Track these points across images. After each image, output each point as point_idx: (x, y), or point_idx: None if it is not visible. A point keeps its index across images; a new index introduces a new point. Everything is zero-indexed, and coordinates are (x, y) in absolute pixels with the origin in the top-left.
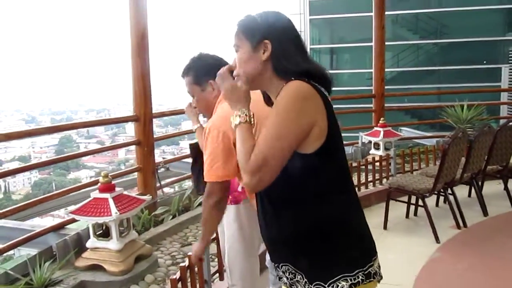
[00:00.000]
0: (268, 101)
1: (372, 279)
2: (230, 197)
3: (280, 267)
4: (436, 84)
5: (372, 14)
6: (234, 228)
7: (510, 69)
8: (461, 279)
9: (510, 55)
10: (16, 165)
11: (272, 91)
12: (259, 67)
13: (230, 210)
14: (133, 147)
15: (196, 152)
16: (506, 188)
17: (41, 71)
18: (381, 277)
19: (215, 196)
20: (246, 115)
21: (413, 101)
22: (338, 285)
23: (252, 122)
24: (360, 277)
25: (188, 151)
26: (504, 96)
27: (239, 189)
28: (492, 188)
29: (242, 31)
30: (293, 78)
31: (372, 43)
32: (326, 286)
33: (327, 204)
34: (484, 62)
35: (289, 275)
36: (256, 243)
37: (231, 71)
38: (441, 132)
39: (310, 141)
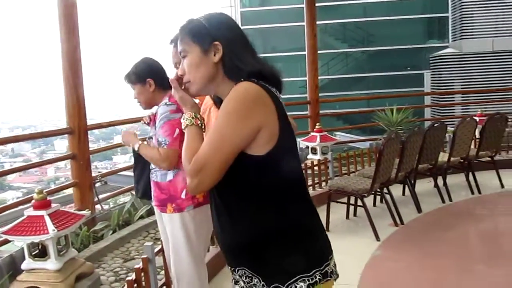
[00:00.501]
0: (220, 104)
1: (329, 278)
2: (173, 205)
3: (236, 271)
4: (365, 90)
5: (304, 23)
6: (180, 237)
7: (431, 75)
8: (403, 273)
9: (431, 62)
10: None
11: (224, 94)
12: (211, 70)
13: (175, 219)
14: (62, 165)
15: (138, 156)
16: (436, 185)
17: None
18: (338, 276)
19: None
20: (193, 117)
21: (345, 107)
22: (296, 286)
23: (202, 126)
24: (318, 277)
25: (122, 165)
26: (427, 100)
27: (183, 196)
28: (424, 185)
29: (190, 35)
30: (242, 80)
31: (304, 52)
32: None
33: (283, 206)
34: (408, 68)
35: (245, 278)
36: (203, 250)
37: (180, 78)
38: (373, 136)
39: (259, 144)
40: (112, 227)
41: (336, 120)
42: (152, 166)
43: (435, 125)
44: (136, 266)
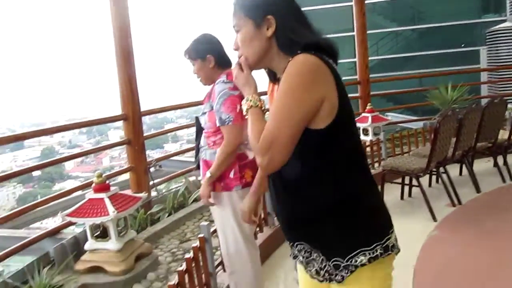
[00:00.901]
0: (274, 79)
1: (390, 252)
2: (221, 184)
3: (295, 245)
4: (416, 70)
5: (350, 3)
6: (229, 215)
7: (488, 50)
8: (461, 254)
9: (487, 37)
10: None
11: (279, 68)
12: (265, 44)
13: (222, 197)
14: (116, 154)
15: (199, 125)
16: (496, 165)
17: (19, 82)
18: (399, 250)
19: None
20: (250, 100)
21: (395, 88)
22: (356, 260)
23: (261, 106)
24: (379, 251)
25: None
26: (484, 77)
27: (231, 175)
28: (482, 165)
29: (242, 10)
30: (299, 52)
31: (351, 33)
32: (344, 261)
33: (343, 180)
34: (462, 45)
35: (304, 253)
36: (251, 230)
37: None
38: (425, 116)
39: (321, 117)
40: (168, 210)
41: (386, 102)
42: (201, 143)
43: (495, 101)
44: (194, 245)
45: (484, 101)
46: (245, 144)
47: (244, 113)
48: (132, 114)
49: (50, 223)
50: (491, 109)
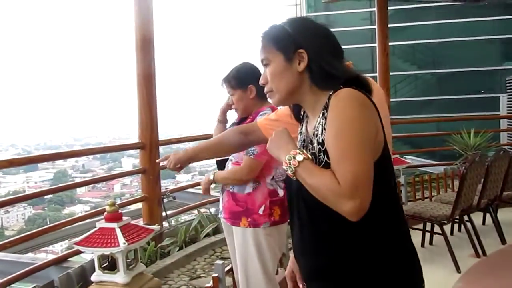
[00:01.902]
0: (298, 117)
1: None
2: (248, 219)
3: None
4: (434, 114)
5: (370, 45)
6: (253, 253)
7: (508, 97)
8: None
9: (508, 84)
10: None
11: (309, 104)
12: (296, 79)
13: (248, 234)
14: (128, 181)
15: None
16: None
17: (36, 104)
18: None
19: None
20: (300, 152)
21: (411, 130)
22: None
23: (309, 157)
24: None
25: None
26: (503, 124)
27: (260, 211)
28: (507, 214)
29: (272, 43)
30: (341, 86)
31: (370, 74)
32: None
33: (383, 227)
34: (482, 91)
35: None
36: (274, 270)
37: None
38: (444, 161)
39: (374, 152)
40: (179, 243)
41: (402, 144)
42: None
43: None
44: (207, 285)
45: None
46: (276, 181)
47: (292, 173)
48: (150, 143)
49: (57, 247)
50: None
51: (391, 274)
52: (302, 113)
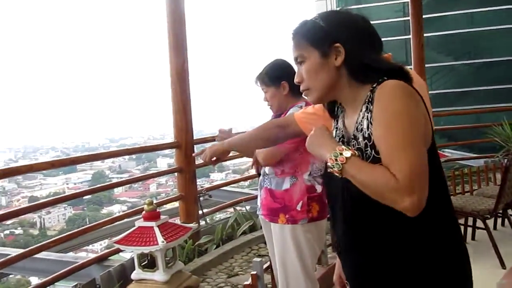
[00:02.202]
0: (332, 113)
1: None
2: (286, 216)
3: None
4: (471, 105)
5: (402, 37)
6: (291, 250)
7: None
8: None
9: None
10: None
11: (348, 99)
12: (333, 75)
13: (286, 231)
14: (163, 181)
15: None
16: None
17: (72, 107)
18: None
19: None
20: (346, 148)
21: (448, 123)
22: None
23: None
24: None
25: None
26: None
27: (298, 207)
28: None
29: (306, 39)
30: (385, 78)
31: (407, 66)
32: None
33: (433, 220)
34: None
35: None
36: (313, 267)
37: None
38: (482, 154)
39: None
40: (216, 241)
41: (440, 137)
42: (266, 171)
43: None
44: (246, 283)
45: None
46: (313, 177)
47: (338, 171)
48: (185, 142)
49: (96, 247)
50: None
51: (442, 274)
52: (336, 108)
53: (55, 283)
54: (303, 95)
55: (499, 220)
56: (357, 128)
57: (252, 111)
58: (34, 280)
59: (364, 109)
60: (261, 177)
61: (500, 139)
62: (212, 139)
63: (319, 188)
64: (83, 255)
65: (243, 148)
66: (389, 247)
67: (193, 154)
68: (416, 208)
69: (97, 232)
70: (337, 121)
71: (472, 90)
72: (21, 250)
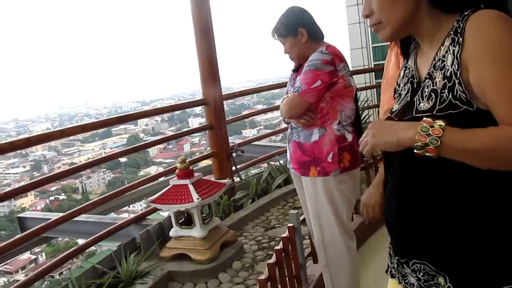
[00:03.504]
0: (406, 51)
1: None
2: (317, 168)
3: (409, 264)
4: None
5: None
6: (325, 202)
7: None
8: None
9: None
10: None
11: (428, 33)
12: (412, 3)
13: (319, 183)
14: (196, 140)
15: None
16: None
17: (103, 72)
18: None
19: None
20: (431, 119)
21: None
22: None
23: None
24: None
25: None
26: None
27: (329, 159)
28: None
29: None
30: (482, 6)
31: None
32: None
33: (503, 174)
34: None
35: (423, 275)
36: (348, 218)
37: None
38: None
39: None
40: (251, 196)
41: None
42: (293, 124)
43: None
44: (283, 235)
45: None
46: (343, 126)
47: (435, 148)
48: (214, 98)
49: (137, 208)
50: None
51: (503, 238)
52: (411, 45)
53: (100, 243)
54: (373, 30)
55: None
56: (434, 66)
57: (278, 63)
58: (81, 242)
59: (448, 42)
60: (288, 130)
61: None
62: (240, 93)
63: (349, 137)
64: (125, 216)
65: None
66: (446, 203)
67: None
68: None
69: (136, 192)
70: (407, 59)
71: None
72: (62, 214)
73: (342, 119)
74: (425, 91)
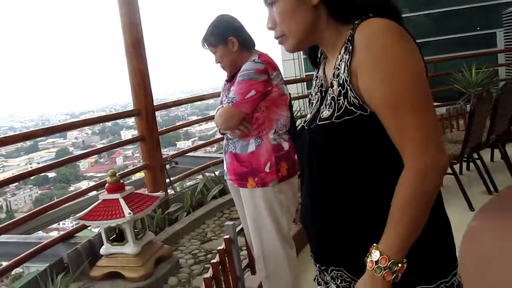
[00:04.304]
0: (315, 62)
1: None
2: (255, 179)
3: (328, 271)
4: (431, 56)
5: None
6: (264, 213)
7: (505, 32)
8: (505, 244)
9: (505, 19)
10: (15, 183)
11: (329, 42)
12: (311, 15)
13: (257, 194)
14: (129, 153)
15: None
16: None
17: (30, 84)
18: None
19: None
20: (368, 257)
21: None
22: None
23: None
24: None
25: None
26: (501, 59)
27: (267, 169)
28: None
29: None
30: (371, 15)
31: None
32: None
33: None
34: (478, 28)
35: (341, 282)
36: (288, 227)
37: None
38: (440, 102)
39: None
40: (186, 208)
41: None
42: (229, 135)
43: None
44: (220, 248)
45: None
46: (279, 134)
47: (399, 267)
48: (145, 109)
49: (67, 225)
50: None
51: (416, 246)
52: (319, 56)
53: (27, 265)
54: (278, 43)
55: (465, 165)
56: (334, 74)
57: (212, 73)
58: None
59: (343, 51)
60: (224, 141)
61: (461, 86)
62: (173, 104)
63: (286, 145)
64: (53, 235)
65: None
66: (355, 206)
67: None
68: (446, 164)
69: (65, 208)
70: (319, 68)
71: (431, 40)
72: None
73: (278, 128)
74: (327, 99)
